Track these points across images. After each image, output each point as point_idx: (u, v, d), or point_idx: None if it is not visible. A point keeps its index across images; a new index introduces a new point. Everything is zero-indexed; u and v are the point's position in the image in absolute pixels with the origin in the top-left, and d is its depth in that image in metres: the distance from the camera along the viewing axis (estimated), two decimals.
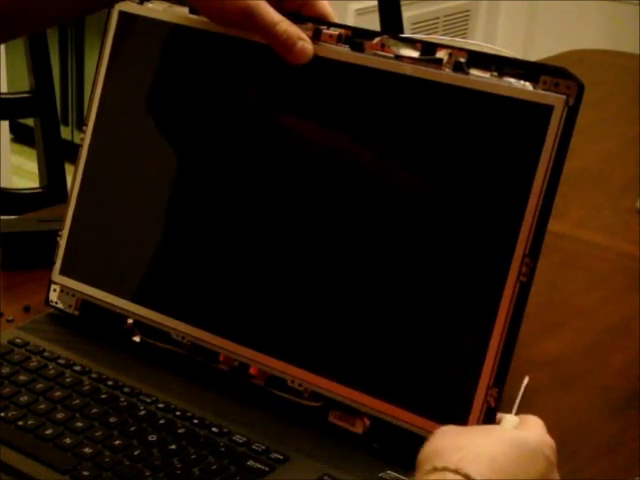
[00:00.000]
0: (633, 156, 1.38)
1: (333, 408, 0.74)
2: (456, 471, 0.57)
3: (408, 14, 2.74)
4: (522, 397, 0.72)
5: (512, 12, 3.27)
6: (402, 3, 1.78)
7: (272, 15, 0.75)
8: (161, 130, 0.86)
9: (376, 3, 1.78)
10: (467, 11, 3.24)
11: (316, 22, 0.77)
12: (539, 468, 0.61)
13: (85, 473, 0.68)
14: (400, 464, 0.71)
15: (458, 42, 0.76)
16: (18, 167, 2.89)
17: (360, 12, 2.80)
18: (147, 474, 0.68)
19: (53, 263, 0.88)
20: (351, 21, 2.75)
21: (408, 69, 0.73)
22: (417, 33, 2.80)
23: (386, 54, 0.74)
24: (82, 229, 0.87)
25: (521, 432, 0.64)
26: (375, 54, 0.74)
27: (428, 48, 0.73)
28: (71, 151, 0.98)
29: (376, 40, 0.75)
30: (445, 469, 0.57)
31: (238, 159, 0.80)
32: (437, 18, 3.11)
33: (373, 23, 1.72)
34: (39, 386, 0.77)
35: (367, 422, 0.73)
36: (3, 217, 1.12)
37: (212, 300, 0.81)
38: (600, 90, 1.62)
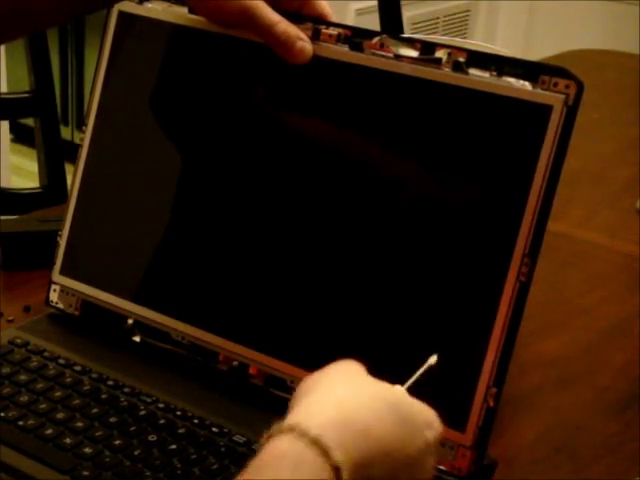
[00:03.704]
0: (633, 156, 1.38)
1: None
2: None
3: (408, 14, 2.74)
4: (420, 375, 0.66)
5: (512, 12, 3.26)
6: (402, 3, 1.78)
7: (271, 15, 0.75)
8: (161, 130, 0.86)
9: (376, 3, 1.78)
10: (467, 11, 3.24)
11: (315, 22, 0.77)
12: (418, 444, 0.56)
13: (85, 473, 0.68)
14: None
15: (458, 42, 0.76)
16: (18, 167, 2.89)
17: (360, 12, 2.80)
18: (147, 474, 0.68)
19: (53, 263, 0.88)
20: (351, 21, 2.75)
21: (407, 69, 0.73)
22: (417, 33, 2.80)
23: (385, 54, 0.74)
24: (82, 229, 0.87)
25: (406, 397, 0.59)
26: (374, 54, 0.74)
27: (427, 48, 0.73)
28: (71, 151, 0.99)
29: (375, 40, 0.75)
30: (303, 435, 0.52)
31: (238, 159, 0.80)
32: (437, 18, 3.11)
33: (373, 23, 1.73)
34: (39, 386, 0.77)
35: None
36: (3, 217, 1.12)
37: (212, 300, 0.81)
38: (600, 90, 1.62)
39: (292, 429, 0.52)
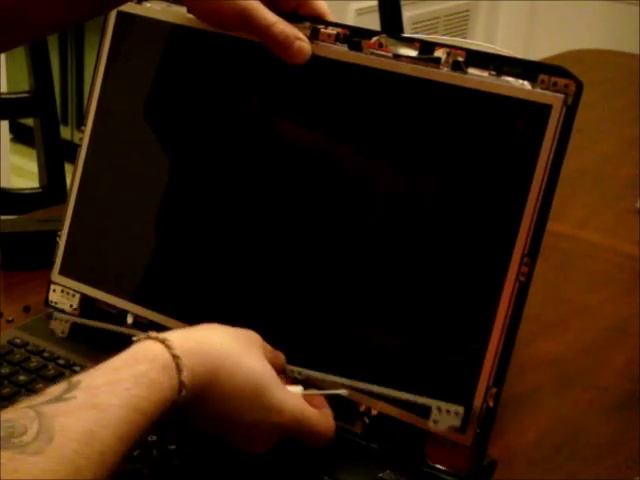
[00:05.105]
0: (633, 156, 1.38)
1: (333, 408, 0.74)
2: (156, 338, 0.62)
3: (408, 14, 2.74)
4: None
5: (512, 12, 3.27)
6: (402, 3, 1.79)
7: (268, 16, 0.75)
8: (159, 130, 0.86)
9: (376, 3, 1.78)
10: (467, 11, 3.24)
11: (313, 21, 0.77)
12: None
13: None
14: (400, 464, 0.71)
15: (458, 42, 0.76)
16: (18, 167, 2.89)
17: (360, 12, 2.81)
18: (146, 474, 0.68)
19: (52, 263, 0.88)
20: (351, 21, 2.75)
21: (406, 68, 0.73)
22: (417, 33, 2.80)
23: (384, 53, 0.74)
24: (81, 229, 0.87)
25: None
26: (373, 53, 0.74)
27: (426, 47, 0.73)
28: (71, 151, 0.98)
29: (374, 39, 0.74)
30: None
31: (236, 160, 0.80)
32: (437, 18, 3.12)
33: (373, 23, 1.73)
34: (39, 386, 0.77)
35: (367, 422, 0.73)
36: (3, 217, 1.12)
37: (211, 300, 0.81)
38: (600, 90, 1.62)
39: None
